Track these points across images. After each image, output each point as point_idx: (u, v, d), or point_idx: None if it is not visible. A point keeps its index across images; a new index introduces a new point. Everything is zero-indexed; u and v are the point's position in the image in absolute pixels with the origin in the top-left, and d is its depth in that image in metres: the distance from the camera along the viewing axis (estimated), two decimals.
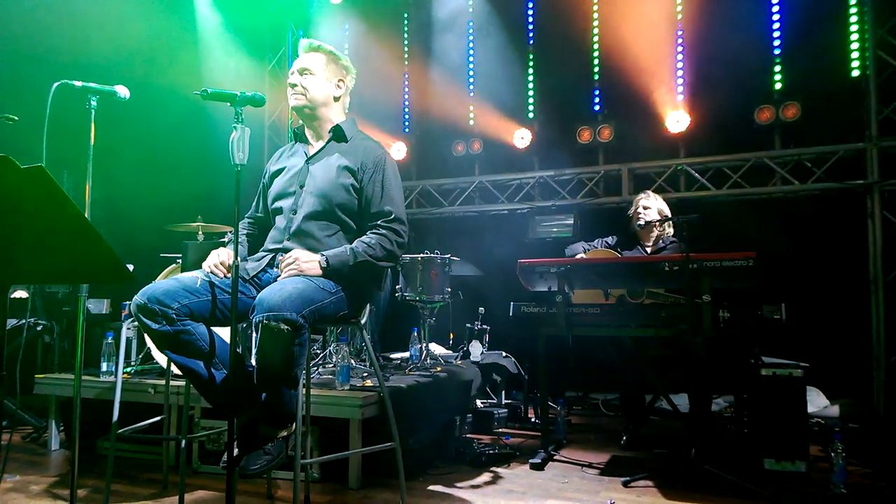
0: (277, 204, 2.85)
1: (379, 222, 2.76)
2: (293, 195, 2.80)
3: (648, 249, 4.52)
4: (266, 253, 2.80)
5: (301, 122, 2.97)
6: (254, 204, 3.06)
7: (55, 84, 2.55)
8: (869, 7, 5.53)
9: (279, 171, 2.90)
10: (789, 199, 5.85)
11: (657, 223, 4.40)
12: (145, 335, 2.77)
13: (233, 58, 6.87)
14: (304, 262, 2.57)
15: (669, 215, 4.49)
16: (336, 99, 2.92)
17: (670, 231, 4.53)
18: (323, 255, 2.61)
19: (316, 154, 2.87)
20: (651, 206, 4.53)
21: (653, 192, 4.74)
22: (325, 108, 2.89)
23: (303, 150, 2.92)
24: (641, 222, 4.45)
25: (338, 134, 2.89)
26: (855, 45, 5.63)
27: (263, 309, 2.30)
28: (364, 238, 2.72)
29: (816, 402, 5.18)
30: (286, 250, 2.72)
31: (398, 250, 2.78)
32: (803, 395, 3.54)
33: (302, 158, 2.88)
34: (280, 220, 2.82)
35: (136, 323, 2.54)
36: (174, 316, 2.41)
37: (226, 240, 3.19)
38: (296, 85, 2.82)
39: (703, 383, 3.86)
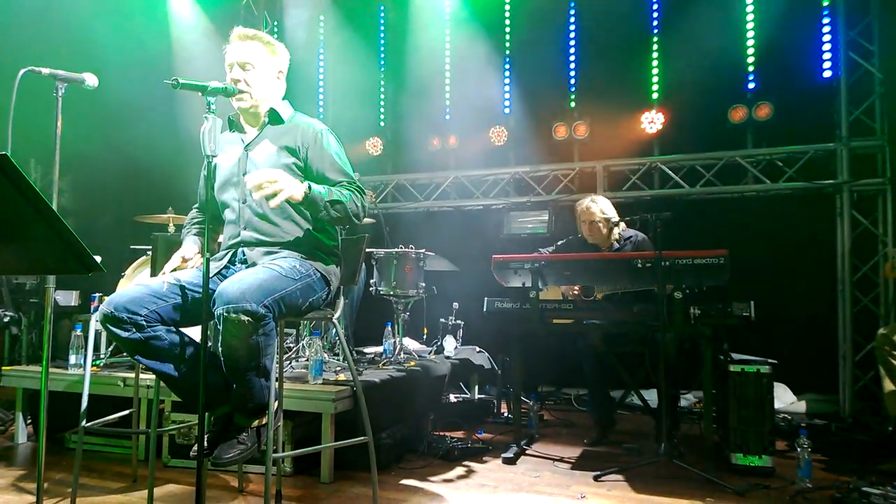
0: (223, 197, 2.78)
1: (343, 182, 2.69)
2: (237, 185, 2.72)
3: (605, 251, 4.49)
4: (226, 250, 2.76)
5: (237, 111, 2.85)
6: (199, 194, 2.99)
7: (21, 71, 2.50)
8: (841, 9, 5.61)
9: (218, 163, 2.81)
10: (761, 197, 5.92)
11: (606, 231, 4.37)
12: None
13: (205, 48, 6.79)
14: (285, 185, 2.40)
15: (615, 218, 4.38)
16: (277, 90, 2.84)
17: (622, 229, 4.48)
18: (306, 182, 2.51)
19: (253, 140, 2.78)
20: (596, 220, 4.39)
21: (603, 196, 4.62)
22: (266, 102, 2.80)
23: (239, 138, 2.83)
24: (590, 238, 4.45)
25: (273, 117, 2.80)
26: (827, 47, 5.71)
27: (223, 301, 2.28)
28: (339, 186, 2.65)
29: (784, 398, 5.27)
30: (245, 243, 2.69)
31: (362, 210, 2.68)
32: (771, 392, 3.59)
33: (239, 146, 2.80)
34: (230, 214, 2.76)
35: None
36: (143, 322, 2.38)
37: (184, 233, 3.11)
38: (239, 81, 2.69)
39: (673, 379, 3.91)
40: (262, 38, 2.78)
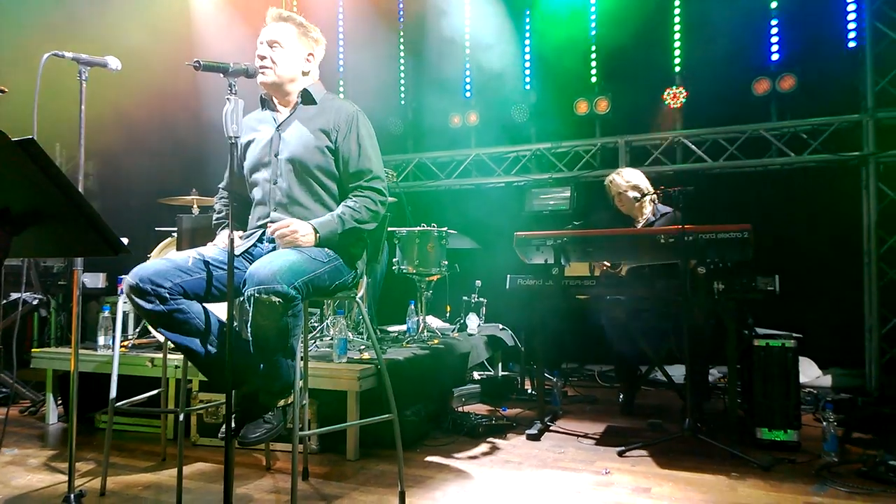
0: (254, 176, 2.80)
1: (360, 183, 2.74)
2: (269, 165, 2.75)
3: (640, 224, 4.50)
4: (255, 229, 2.78)
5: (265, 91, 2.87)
6: (227, 174, 2.98)
7: (45, 55, 2.51)
8: None
9: (249, 142, 2.84)
10: (785, 170, 5.85)
11: (637, 201, 4.35)
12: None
13: (225, 29, 6.79)
14: (302, 237, 2.56)
15: (645, 187, 4.43)
16: (305, 73, 2.83)
17: (654, 205, 4.50)
18: (311, 224, 2.59)
19: (286, 120, 2.80)
20: (623, 191, 4.45)
21: (634, 168, 4.68)
22: (293, 84, 2.80)
23: (271, 117, 2.84)
24: (623, 209, 4.50)
25: (306, 97, 2.82)
26: (852, 16, 5.58)
27: (254, 282, 2.30)
28: (349, 202, 2.70)
29: (809, 372, 5.23)
30: (274, 223, 2.72)
31: (382, 209, 2.76)
32: (796, 366, 3.56)
33: (271, 126, 2.81)
34: (259, 193, 2.78)
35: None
36: (167, 295, 2.40)
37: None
38: (265, 58, 2.70)
39: (698, 355, 3.89)
40: (294, 20, 2.79)
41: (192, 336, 2.48)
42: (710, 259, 3.51)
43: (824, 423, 3.32)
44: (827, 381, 5.23)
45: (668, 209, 4.44)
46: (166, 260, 2.51)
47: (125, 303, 3.69)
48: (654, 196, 4.41)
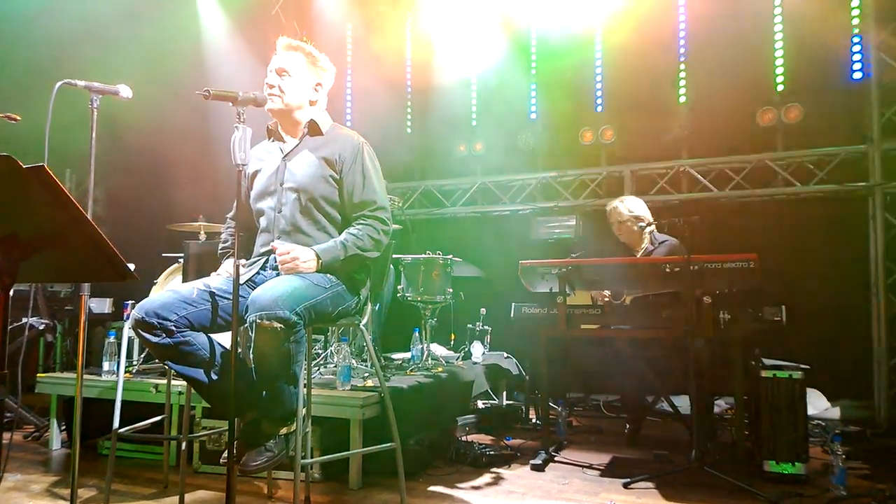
0: (260, 205, 2.83)
1: (364, 212, 2.76)
2: (274, 194, 2.78)
3: (638, 254, 4.50)
4: (259, 257, 2.80)
5: (274, 120, 2.92)
6: (235, 204, 3.00)
7: (58, 84, 2.55)
8: (871, 9, 5.52)
9: (257, 172, 2.87)
10: (791, 200, 5.84)
11: (636, 230, 4.36)
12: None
13: (235, 58, 6.87)
14: (303, 263, 2.57)
15: (647, 217, 4.44)
16: (312, 102, 2.87)
17: (655, 233, 4.51)
18: (313, 249, 2.62)
19: (292, 150, 2.83)
20: (623, 220, 4.48)
21: (638, 197, 4.73)
22: (301, 112, 2.84)
23: (278, 147, 2.87)
24: (621, 238, 4.53)
25: (312, 128, 2.85)
26: (857, 48, 5.61)
27: (256, 308, 2.31)
28: (352, 230, 2.73)
29: (817, 404, 5.17)
30: None
31: (385, 238, 2.78)
32: (804, 398, 3.53)
33: (278, 155, 2.84)
34: (264, 221, 2.81)
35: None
36: (173, 328, 2.42)
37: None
38: (273, 86, 2.75)
39: (704, 385, 3.86)
40: (304, 49, 2.83)
41: (197, 367, 2.50)
42: (717, 289, 3.50)
43: (832, 456, 3.28)
44: (835, 413, 5.18)
45: (665, 237, 4.45)
46: (172, 292, 2.52)
47: (130, 328, 3.70)
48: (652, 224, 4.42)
